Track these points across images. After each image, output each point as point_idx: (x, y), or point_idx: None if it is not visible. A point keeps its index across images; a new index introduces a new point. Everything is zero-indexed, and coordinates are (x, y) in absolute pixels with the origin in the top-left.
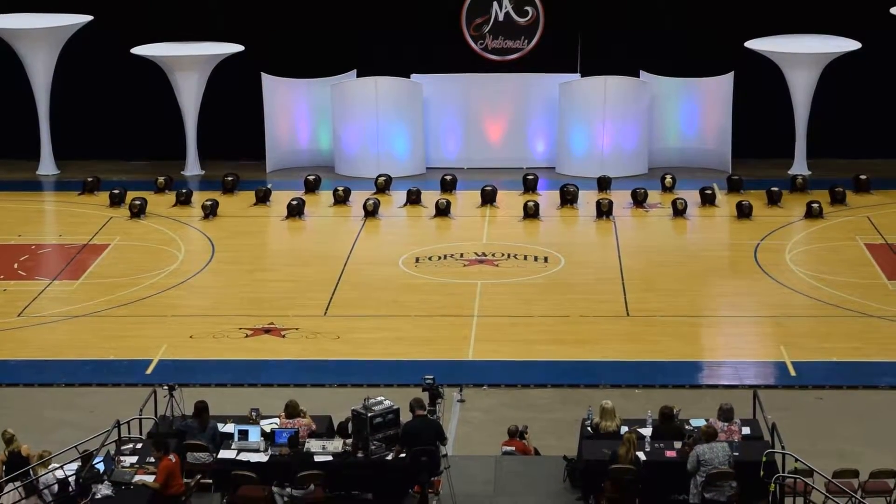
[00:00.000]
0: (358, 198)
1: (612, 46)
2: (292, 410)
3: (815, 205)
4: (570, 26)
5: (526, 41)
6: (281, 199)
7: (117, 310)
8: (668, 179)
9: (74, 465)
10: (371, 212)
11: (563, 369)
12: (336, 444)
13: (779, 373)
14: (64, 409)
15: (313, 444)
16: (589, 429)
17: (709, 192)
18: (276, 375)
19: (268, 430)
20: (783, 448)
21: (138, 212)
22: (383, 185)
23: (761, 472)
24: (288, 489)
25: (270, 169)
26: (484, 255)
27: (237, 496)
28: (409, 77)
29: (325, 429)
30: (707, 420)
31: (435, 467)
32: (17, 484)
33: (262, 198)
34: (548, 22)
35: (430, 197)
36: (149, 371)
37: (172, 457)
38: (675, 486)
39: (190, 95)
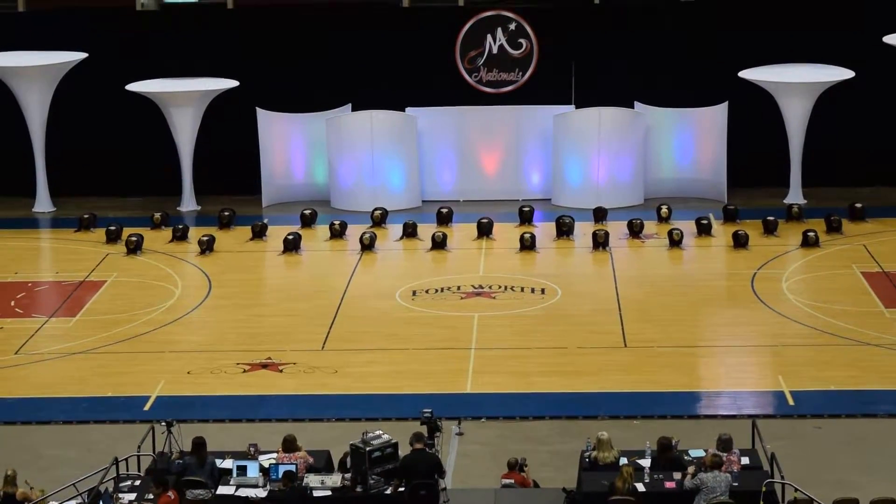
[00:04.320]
0: (354, 231)
1: (607, 78)
2: (290, 445)
3: (811, 233)
4: (564, 58)
5: (520, 73)
6: (277, 233)
7: (115, 346)
8: (664, 210)
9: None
10: (367, 245)
11: (561, 401)
12: (335, 479)
13: (777, 402)
14: (62, 446)
15: (312, 479)
16: (588, 460)
17: (705, 221)
18: (274, 410)
19: (266, 465)
20: (783, 478)
21: (135, 248)
22: (379, 218)
23: (761, 503)
24: None
25: (266, 203)
26: (481, 287)
27: None
28: (404, 110)
29: (323, 463)
30: (706, 450)
31: (434, 501)
32: None
33: (259, 233)
34: (542, 54)
35: (427, 230)
36: (147, 407)
37: (171, 493)
38: None
39: (185, 131)
